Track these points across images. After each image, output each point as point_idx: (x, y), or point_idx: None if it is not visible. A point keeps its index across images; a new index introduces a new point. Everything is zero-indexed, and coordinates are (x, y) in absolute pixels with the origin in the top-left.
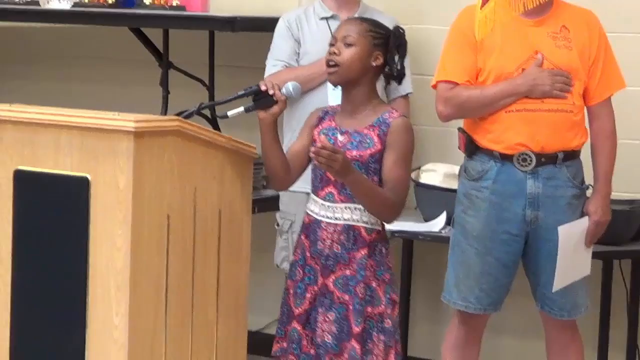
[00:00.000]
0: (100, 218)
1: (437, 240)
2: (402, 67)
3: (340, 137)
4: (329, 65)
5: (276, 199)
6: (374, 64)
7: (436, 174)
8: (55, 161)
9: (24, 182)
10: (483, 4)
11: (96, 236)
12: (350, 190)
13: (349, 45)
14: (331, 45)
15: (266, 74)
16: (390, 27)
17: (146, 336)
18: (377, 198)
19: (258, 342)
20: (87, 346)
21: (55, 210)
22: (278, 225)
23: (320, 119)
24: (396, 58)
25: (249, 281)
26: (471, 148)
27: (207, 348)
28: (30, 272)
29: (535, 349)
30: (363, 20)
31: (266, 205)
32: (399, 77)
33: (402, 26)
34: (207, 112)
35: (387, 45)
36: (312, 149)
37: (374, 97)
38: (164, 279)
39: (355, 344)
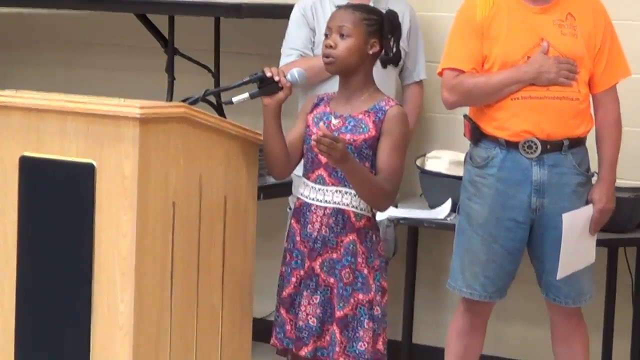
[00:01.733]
0: (106, 204)
1: (442, 228)
2: (398, 50)
3: (334, 121)
4: (326, 57)
5: (281, 185)
6: (370, 52)
7: (441, 161)
8: (61, 147)
9: (30, 168)
10: None
11: (101, 222)
12: (347, 178)
13: (344, 36)
14: (326, 35)
15: (281, 63)
16: (406, 11)
17: (151, 322)
18: (372, 186)
19: (264, 329)
20: (92, 332)
21: (60, 197)
22: (290, 208)
23: (315, 105)
24: (391, 41)
25: (255, 268)
26: (477, 135)
27: (212, 335)
28: (35, 259)
29: (540, 336)
30: (355, 8)
31: (272, 192)
32: (396, 60)
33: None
34: (212, 98)
35: (382, 31)
36: (314, 136)
37: (371, 85)
38: (169, 266)
39: (335, 328)
